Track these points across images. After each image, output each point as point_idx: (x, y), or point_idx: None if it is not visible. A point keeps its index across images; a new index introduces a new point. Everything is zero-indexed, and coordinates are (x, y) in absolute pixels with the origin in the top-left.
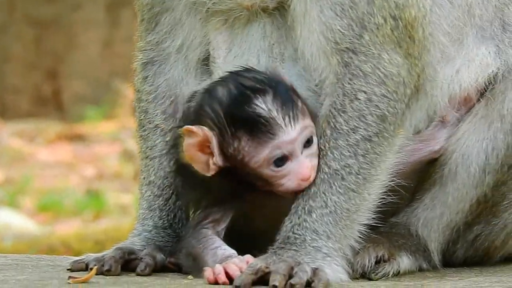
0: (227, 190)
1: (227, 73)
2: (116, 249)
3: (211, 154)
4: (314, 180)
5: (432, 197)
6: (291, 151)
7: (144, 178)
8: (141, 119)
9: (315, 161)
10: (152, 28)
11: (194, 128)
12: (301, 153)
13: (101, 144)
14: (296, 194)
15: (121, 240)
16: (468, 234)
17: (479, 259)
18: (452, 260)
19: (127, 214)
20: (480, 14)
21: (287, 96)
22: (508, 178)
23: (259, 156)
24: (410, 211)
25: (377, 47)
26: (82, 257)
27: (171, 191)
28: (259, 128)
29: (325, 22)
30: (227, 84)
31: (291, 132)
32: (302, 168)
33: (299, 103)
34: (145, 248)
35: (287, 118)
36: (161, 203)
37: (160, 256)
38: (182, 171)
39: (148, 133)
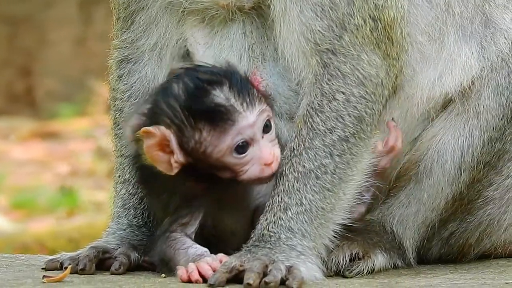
0: (193, 189)
1: (181, 70)
2: (90, 248)
3: (172, 152)
4: (288, 177)
5: (408, 194)
6: (252, 136)
7: (119, 176)
8: (116, 118)
9: (278, 150)
10: (128, 27)
11: (151, 128)
12: (262, 137)
13: (74, 141)
14: (261, 181)
15: (96, 238)
16: (443, 231)
17: (454, 257)
18: (427, 257)
19: (101, 211)
20: (460, 12)
21: (242, 84)
22: (483, 176)
23: (221, 144)
24: (385, 208)
25: (357, 48)
26: (57, 256)
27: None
28: (220, 117)
29: (305, 23)
30: (182, 79)
31: (250, 116)
32: (264, 152)
33: (254, 90)
34: (119, 247)
35: (244, 104)
36: (136, 201)
37: (134, 255)
38: (146, 178)
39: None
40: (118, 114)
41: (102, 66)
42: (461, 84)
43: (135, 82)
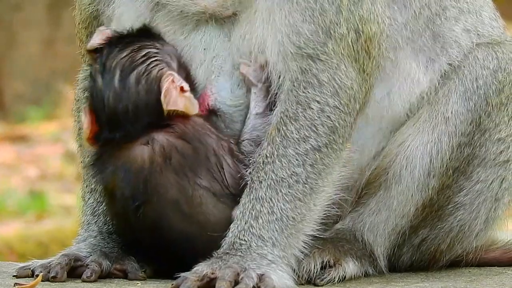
0: None
1: None
2: (62, 256)
3: None
4: (261, 184)
5: (377, 201)
6: None
7: (86, 186)
8: (79, 128)
9: None
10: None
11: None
12: None
13: (43, 144)
14: None
15: (65, 242)
16: (414, 238)
17: (426, 264)
18: (399, 264)
19: (70, 214)
20: (412, 28)
21: None
22: (453, 181)
23: None
24: (356, 216)
25: (337, 58)
26: (28, 263)
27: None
28: None
29: (292, 24)
30: None
31: None
32: None
33: None
34: (91, 255)
35: None
36: (105, 208)
37: (106, 263)
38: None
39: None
40: (80, 124)
41: (70, 68)
42: (409, 100)
43: None
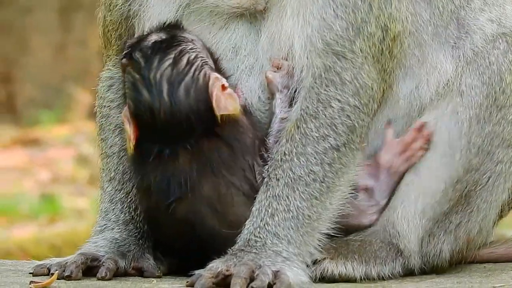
0: None
1: None
2: (79, 255)
3: None
4: (279, 182)
5: (406, 183)
6: None
7: (105, 175)
8: (102, 124)
9: None
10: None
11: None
12: None
13: (55, 148)
14: None
15: (78, 244)
16: (448, 225)
17: (462, 254)
18: (437, 260)
19: (82, 217)
20: (437, 23)
21: None
22: (480, 164)
23: None
24: (387, 211)
25: (363, 57)
26: (45, 261)
27: (131, 185)
28: None
29: (325, 19)
30: None
31: None
32: None
33: None
34: (107, 253)
35: None
36: (122, 196)
37: (122, 263)
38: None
39: (108, 134)
40: (104, 120)
41: (82, 72)
42: (436, 90)
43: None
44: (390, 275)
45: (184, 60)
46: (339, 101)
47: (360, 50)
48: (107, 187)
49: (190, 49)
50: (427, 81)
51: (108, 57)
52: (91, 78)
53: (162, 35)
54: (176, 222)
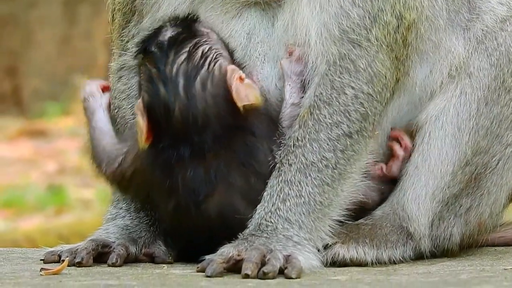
0: None
1: None
2: (89, 241)
3: None
4: (291, 167)
5: (415, 166)
6: None
7: None
8: (113, 115)
9: None
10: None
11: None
12: None
13: (61, 139)
14: None
15: (85, 235)
16: (458, 208)
17: (473, 238)
18: (447, 244)
19: (89, 208)
20: (450, 8)
21: None
22: (488, 146)
23: None
24: (397, 193)
25: (377, 45)
26: (56, 248)
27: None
28: None
29: (343, 7)
30: None
31: None
32: None
33: None
34: (118, 239)
35: None
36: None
37: (133, 249)
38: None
39: (121, 125)
40: (116, 111)
41: (87, 64)
42: (448, 73)
43: (134, 84)
44: (401, 259)
45: (199, 53)
46: (353, 88)
47: (376, 38)
48: None
49: (204, 41)
50: (440, 65)
51: (118, 44)
52: (97, 70)
53: (177, 28)
54: (208, 218)
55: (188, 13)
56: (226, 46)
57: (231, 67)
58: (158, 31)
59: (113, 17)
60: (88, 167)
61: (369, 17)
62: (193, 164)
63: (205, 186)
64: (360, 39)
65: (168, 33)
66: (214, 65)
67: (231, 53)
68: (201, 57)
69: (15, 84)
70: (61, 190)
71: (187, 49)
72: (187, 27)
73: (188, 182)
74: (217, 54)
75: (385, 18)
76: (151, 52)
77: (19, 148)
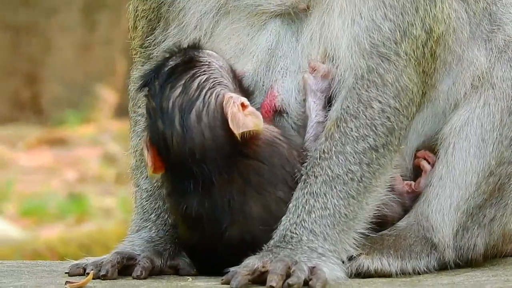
0: None
1: None
2: (115, 254)
3: None
4: (317, 179)
5: (439, 177)
6: None
7: (141, 172)
8: (137, 121)
9: None
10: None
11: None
12: None
13: (81, 147)
14: None
15: (106, 244)
16: (482, 218)
17: (498, 248)
18: (471, 254)
19: (110, 216)
20: (472, 21)
21: None
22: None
23: None
24: (421, 204)
25: (406, 59)
26: (81, 261)
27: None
28: None
29: (375, 20)
30: None
31: None
32: None
33: None
34: (143, 252)
35: None
36: (162, 194)
37: (158, 261)
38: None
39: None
40: (139, 118)
41: (107, 71)
42: (471, 83)
43: None
44: (425, 270)
45: (195, 85)
46: (380, 102)
47: (405, 53)
48: (143, 184)
49: (202, 72)
50: (463, 76)
51: (141, 52)
52: (116, 77)
53: (177, 59)
54: (232, 246)
55: (192, 42)
56: (233, 71)
57: (228, 95)
58: (160, 63)
59: (134, 24)
60: (109, 175)
61: (399, 31)
62: (209, 195)
63: (224, 216)
64: (389, 53)
65: (168, 65)
66: (210, 96)
67: (238, 78)
68: (197, 88)
69: (34, 92)
70: (81, 198)
71: (183, 81)
72: (188, 57)
73: (209, 212)
74: (214, 83)
75: (414, 33)
76: (150, 86)
77: (39, 156)
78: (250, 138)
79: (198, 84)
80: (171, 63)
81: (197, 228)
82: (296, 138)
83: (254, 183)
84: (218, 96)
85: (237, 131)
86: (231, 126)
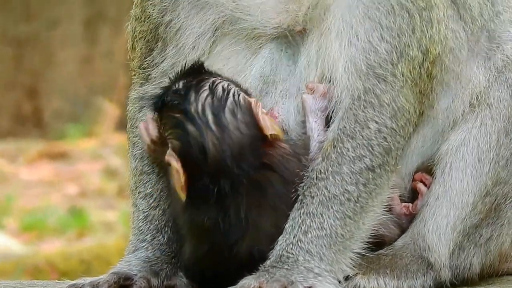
0: None
1: None
2: (111, 274)
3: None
4: (313, 200)
5: (436, 197)
6: None
7: (139, 192)
8: (135, 142)
9: None
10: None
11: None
12: None
13: (82, 161)
14: None
15: (107, 258)
16: (479, 238)
17: (494, 268)
18: (467, 273)
19: (111, 231)
20: (470, 38)
21: None
22: (509, 176)
23: None
24: (417, 224)
25: (403, 80)
26: (78, 281)
27: (168, 202)
28: None
29: (371, 42)
30: None
31: None
32: None
33: None
34: (140, 272)
35: None
36: (159, 213)
37: (155, 281)
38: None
39: (144, 152)
40: (137, 138)
41: (108, 85)
42: (470, 101)
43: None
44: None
45: (220, 88)
46: (376, 122)
47: (401, 73)
48: (140, 204)
49: (221, 79)
50: (462, 94)
51: (139, 74)
52: (118, 90)
53: (187, 77)
54: (238, 261)
55: (192, 63)
56: (239, 84)
57: (253, 99)
58: (167, 87)
59: (133, 45)
60: (110, 190)
61: (396, 52)
62: (228, 205)
63: (237, 228)
64: (386, 74)
65: (180, 83)
66: (238, 97)
67: (247, 92)
68: (223, 91)
69: (35, 105)
70: (82, 213)
71: (207, 87)
72: (197, 72)
73: (223, 223)
74: (237, 89)
75: (411, 54)
76: (170, 101)
77: (40, 170)
78: (267, 146)
79: (223, 88)
80: (182, 81)
81: (207, 240)
82: (302, 155)
83: (270, 197)
84: (245, 98)
85: (268, 132)
86: (263, 126)
